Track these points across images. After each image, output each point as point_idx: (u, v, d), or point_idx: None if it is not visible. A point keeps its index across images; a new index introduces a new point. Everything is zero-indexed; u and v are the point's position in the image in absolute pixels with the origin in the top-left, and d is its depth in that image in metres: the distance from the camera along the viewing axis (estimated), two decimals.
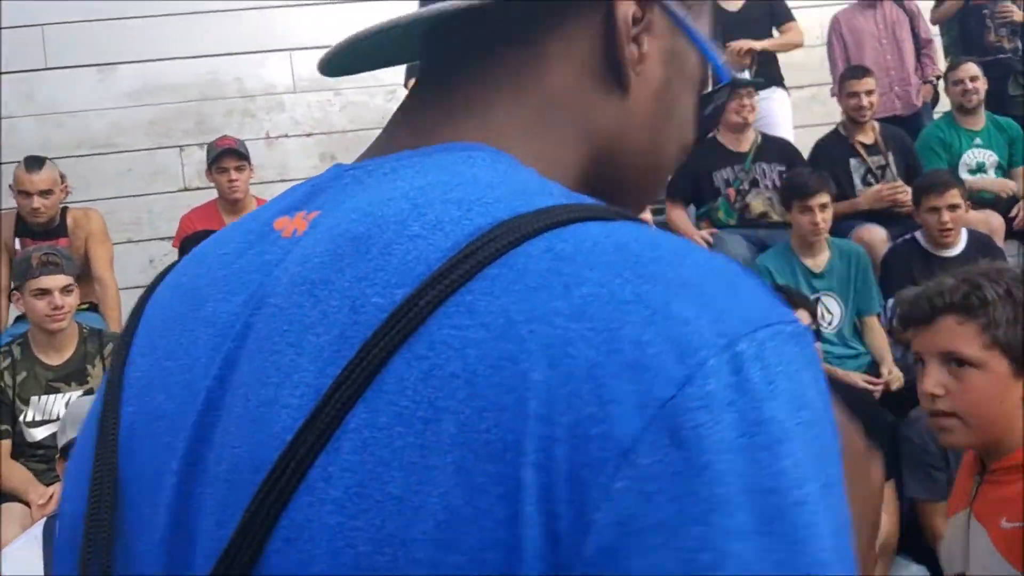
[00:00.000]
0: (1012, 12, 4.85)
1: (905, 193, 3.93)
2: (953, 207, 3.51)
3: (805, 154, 4.36)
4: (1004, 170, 4.35)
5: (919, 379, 1.40)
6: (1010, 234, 4.02)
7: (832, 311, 3.51)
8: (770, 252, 3.70)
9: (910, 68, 4.89)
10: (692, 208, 4.35)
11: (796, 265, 3.54)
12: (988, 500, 1.35)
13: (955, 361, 1.33)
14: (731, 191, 4.18)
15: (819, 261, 3.55)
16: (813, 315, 2.70)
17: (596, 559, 0.34)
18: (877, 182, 4.24)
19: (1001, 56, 4.88)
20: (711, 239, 4.07)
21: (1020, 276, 1.39)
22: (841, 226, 4.06)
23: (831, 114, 4.76)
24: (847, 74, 4.41)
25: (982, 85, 4.37)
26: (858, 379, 3.24)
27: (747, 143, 4.21)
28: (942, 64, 4.98)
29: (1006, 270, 1.42)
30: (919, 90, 4.91)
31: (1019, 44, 4.93)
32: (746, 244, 4.03)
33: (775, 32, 4.81)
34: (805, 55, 5.27)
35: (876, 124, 4.35)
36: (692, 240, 3.99)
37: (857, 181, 4.25)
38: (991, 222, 3.96)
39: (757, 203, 4.14)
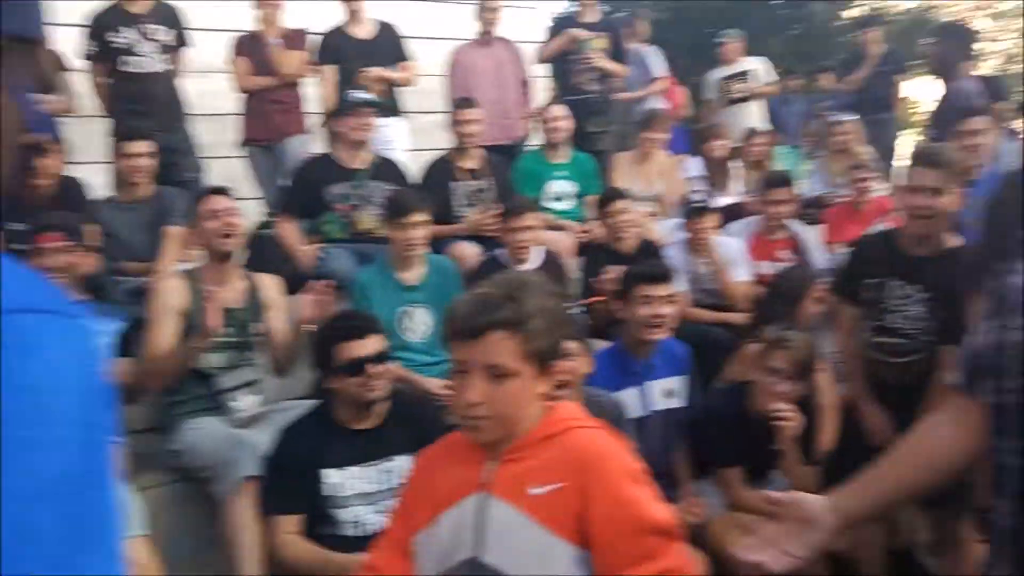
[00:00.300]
0: (595, 59, 5.57)
1: (498, 219, 4.28)
2: (529, 228, 3.95)
3: None
4: (581, 198, 4.95)
5: (461, 388, 1.48)
6: (578, 251, 4.55)
7: (424, 322, 3.71)
8: (368, 267, 3.83)
9: (514, 103, 5.43)
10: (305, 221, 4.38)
11: (390, 279, 3.70)
12: (509, 477, 1.48)
13: (496, 372, 1.46)
14: (343, 206, 4.28)
15: (413, 275, 3.73)
16: (385, 335, 2.83)
17: None
18: (479, 204, 4.61)
19: (586, 97, 5.57)
20: (319, 253, 4.15)
21: (552, 288, 1.57)
22: (439, 242, 4.37)
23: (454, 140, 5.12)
24: (456, 104, 4.77)
25: (567, 124, 4.96)
26: (435, 385, 3.43)
27: (362, 161, 4.35)
28: (540, 102, 5.59)
29: (543, 283, 1.56)
30: (520, 124, 5.46)
31: (601, 87, 5.67)
32: (353, 258, 4.15)
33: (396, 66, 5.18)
34: (435, 84, 5.63)
35: (481, 151, 4.73)
36: (298, 253, 3.98)
37: (460, 203, 4.59)
38: (563, 242, 4.49)
39: (366, 219, 4.29)
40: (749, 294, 4.27)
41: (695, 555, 2.86)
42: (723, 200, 5.37)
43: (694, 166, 5.92)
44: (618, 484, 1.45)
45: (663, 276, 3.27)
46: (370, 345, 2.66)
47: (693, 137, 6.80)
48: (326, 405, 2.74)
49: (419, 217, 3.66)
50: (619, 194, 4.48)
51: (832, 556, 3.08)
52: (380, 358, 2.69)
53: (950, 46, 4.71)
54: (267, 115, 4.89)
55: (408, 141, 5.36)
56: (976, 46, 7.91)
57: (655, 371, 3.27)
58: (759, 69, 7.28)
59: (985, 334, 1.29)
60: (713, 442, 3.20)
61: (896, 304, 3.16)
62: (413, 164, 4.85)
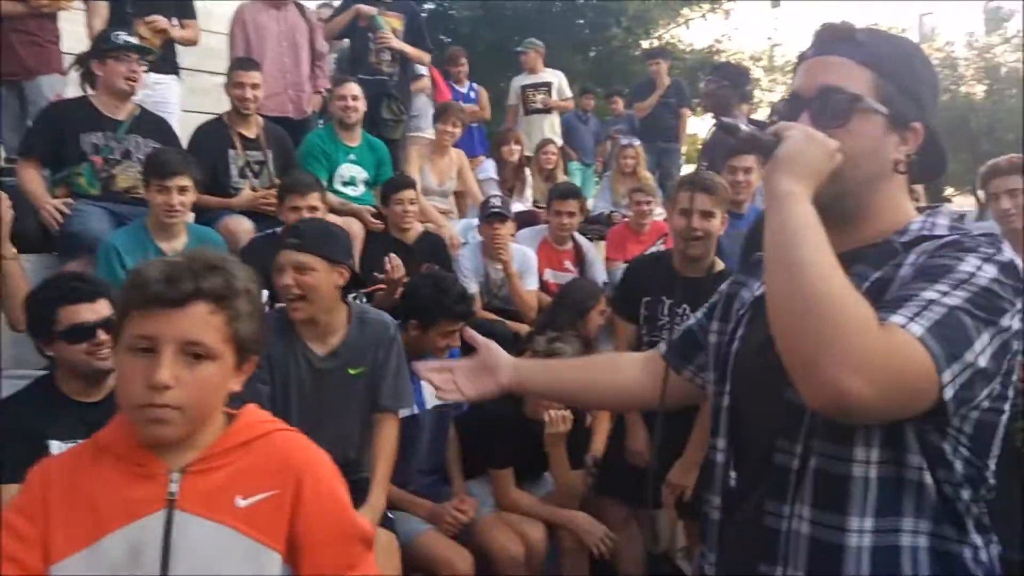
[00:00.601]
0: (389, 39, 5.36)
1: (275, 199, 3.94)
2: (312, 209, 3.69)
3: None
4: (371, 185, 4.73)
5: (140, 370, 1.22)
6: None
7: None
8: (123, 230, 3.46)
9: (305, 75, 5.10)
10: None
11: (149, 246, 3.34)
12: (207, 490, 1.27)
13: (194, 351, 1.24)
14: (98, 159, 3.82)
15: (175, 245, 3.40)
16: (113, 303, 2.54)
17: None
18: (255, 176, 4.28)
19: (380, 78, 5.35)
20: (66, 209, 3.66)
21: (254, 275, 1.34)
22: (210, 214, 4.01)
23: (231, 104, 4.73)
24: (235, 64, 4.40)
25: (362, 105, 4.69)
26: None
27: (124, 112, 3.92)
28: (333, 78, 5.29)
29: (245, 267, 1.34)
30: (310, 98, 5.14)
31: (397, 70, 5.47)
32: (108, 218, 3.72)
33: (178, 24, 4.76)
34: (219, 43, 5.19)
35: (261, 120, 4.39)
36: (41, 206, 3.52)
37: (234, 173, 4.23)
38: (352, 228, 4.25)
39: (125, 177, 3.85)
40: (537, 303, 4.29)
41: (462, 553, 2.81)
42: (516, 206, 5.37)
43: (489, 168, 5.90)
44: (330, 490, 1.35)
45: (470, 314, 3.23)
46: (99, 309, 2.39)
47: (490, 140, 6.79)
48: (51, 375, 2.45)
49: (183, 181, 3.37)
50: (407, 183, 4.33)
51: (594, 560, 3.14)
52: (110, 324, 2.39)
53: (726, 85, 4.98)
54: (13, 47, 4.26)
55: (185, 102, 4.92)
56: (751, 91, 8.60)
57: None
58: (559, 83, 7.43)
59: (708, 330, 1.39)
60: (487, 443, 3.21)
61: (669, 322, 3.25)
62: (189, 126, 4.44)
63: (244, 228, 3.97)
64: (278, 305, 2.83)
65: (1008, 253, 1.09)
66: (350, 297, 2.93)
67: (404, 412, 3.04)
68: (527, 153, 6.29)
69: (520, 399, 3.20)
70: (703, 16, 14.59)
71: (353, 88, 4.69)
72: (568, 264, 4.66)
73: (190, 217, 3.66)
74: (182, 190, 3.35)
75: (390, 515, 2.76)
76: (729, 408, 1.28)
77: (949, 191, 18.25)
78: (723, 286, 1.43)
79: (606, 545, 3.11)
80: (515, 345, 3.82)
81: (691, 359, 1.44)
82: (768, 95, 17.01)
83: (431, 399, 3.17)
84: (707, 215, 3.15)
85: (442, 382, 1.48)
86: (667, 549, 3.84)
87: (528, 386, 1.51)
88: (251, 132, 4.30)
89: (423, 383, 3.14)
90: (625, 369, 1.52)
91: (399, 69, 5.47)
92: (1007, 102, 20.06)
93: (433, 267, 3.91)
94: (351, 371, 2.70)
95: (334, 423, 2.66)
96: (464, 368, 1.49)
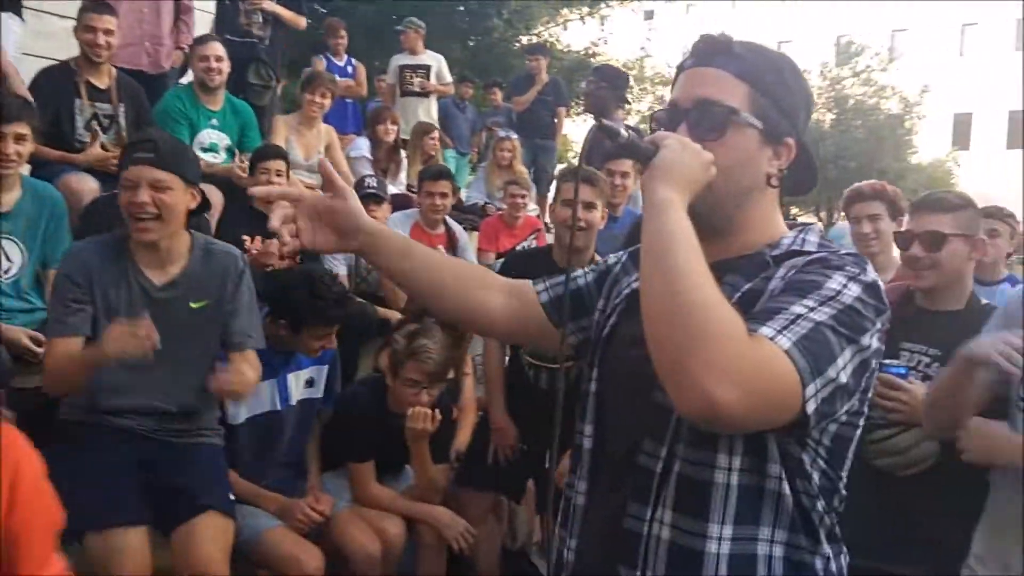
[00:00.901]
0: (261, 0, 5.06)
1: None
2: None
3: None
4: (234, 152, 4.43)
5: None
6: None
7: (12, 258, 3.04)
8: None
9: (166, 28, 4.73)
10: None
11: None
12: None
13: None
14: None
15: (6, 199, 3.05)
16: None
17: None
18: (103, 131, 3.92)
19: (249, 40, 5.03)
20: None
21: None
22: (52, 169, 3.65)
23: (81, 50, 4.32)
24: (87, 7, 4.01)
25: (225, 66, 4.38)
26: (21, 335, 2.84)
27: None
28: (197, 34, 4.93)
29: None
30: (170, 54, 4.77)
31: (268, 33, 5.15)
32: None
33: None
34: None
35: (114, 70, 4.03)
36: None
37: (80, 124, 3.86)
38: (213, 198, 3.95)
39: None
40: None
41: (311, 551, 2.68)
42: (390, 189, 5.18)
43: (363, 147, 5.67)
44: (42, 481, 1.25)
45: (344, 318, 3.04)
46: None
47: (365, 118, 6.56)
48: None
49: (20, 128, 3.02)
50: (276, 152, 4.07)
51: (452, 555, 3.08)
52: None
53: (604, 87, 4.99)
54: None
55: (28, 45, 4.45)
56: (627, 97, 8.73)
57: (298, 362, 3.01)
58: (438, 67, 7.28)
59: (596, 305, 1.35)
60: (348, 436, 3.08)
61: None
62: (31, 72, 4.01)
63: (88, 187, 3.63)
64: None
65: (872, 274, 1.13)
66: None
67: (266, 407, 2.86)
68: (403, 136, 6.11)
69: (384, 394, 3.07)
70: (581, 19, 14.77)
71: (217, 48, 4.37)
72: (440, 249, 4.53)
73: (26, 169, 3.30)
74: (18, 138, 3.01)
75: (232, 497, 2.55)
76: (596, 394, 1.28)
77: (794, 211, 19.35)
78: (612, 260, 1.40)
79: (466, 540, 3.03)
80: (383, 332, 3.67)
81: (574, 318, 1.38)
82: (637, 104, 17.44)
83: (296, 393, 2.99)
84: (589, 206, 3.14)
85: (284, 223, 1.25)
86: (523, 544, 3.81)
87: (377, 258, 1.33)
88: (102, 82, 3.92)
89: (289, 378, 2.95)
90: (486, 291, 1.39)
91: (271, 32, 5.16)
92: (852, 132, 21.50)
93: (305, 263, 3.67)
94: (193, 304, 2.46)
95: (172, 360, 2.37)
96: (311, 208, 1.27)
